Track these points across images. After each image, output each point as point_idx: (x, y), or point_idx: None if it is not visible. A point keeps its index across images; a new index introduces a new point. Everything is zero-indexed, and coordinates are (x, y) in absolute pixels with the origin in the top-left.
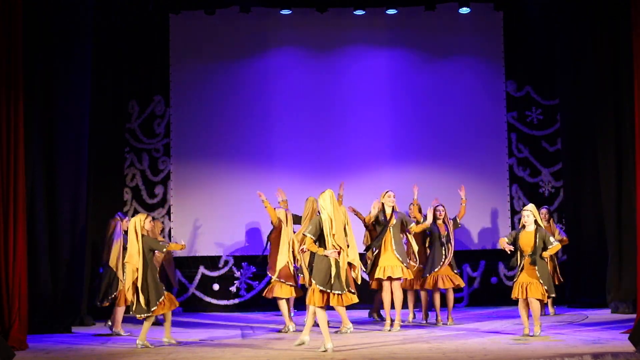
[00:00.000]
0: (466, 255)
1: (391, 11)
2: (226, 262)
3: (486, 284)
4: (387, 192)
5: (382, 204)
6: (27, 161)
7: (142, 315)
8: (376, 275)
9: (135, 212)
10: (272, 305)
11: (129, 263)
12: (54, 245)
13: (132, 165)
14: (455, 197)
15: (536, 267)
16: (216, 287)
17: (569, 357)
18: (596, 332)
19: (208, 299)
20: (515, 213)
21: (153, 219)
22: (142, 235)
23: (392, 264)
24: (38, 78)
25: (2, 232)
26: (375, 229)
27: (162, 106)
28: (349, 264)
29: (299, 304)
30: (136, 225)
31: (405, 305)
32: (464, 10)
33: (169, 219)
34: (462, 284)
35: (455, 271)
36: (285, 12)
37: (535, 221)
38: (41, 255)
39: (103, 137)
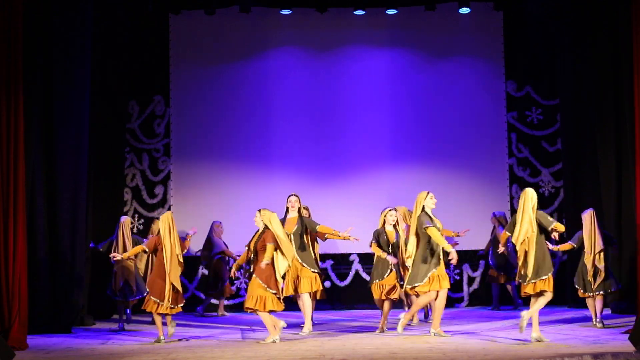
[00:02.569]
0: (466, 255)
1: (391, 11)
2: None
3: (486, 284)
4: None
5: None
6: (27, 161)
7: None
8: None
9: (135, 212)
10: None
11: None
12: (54, 245)
13: (132, 165)
14: (453, 198)
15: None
16: None
17: (569, 357)
18: (596, 332)
19: None
20: (515, 213)
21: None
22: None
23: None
24: (38, 78)
25: (2, 232)
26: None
27: (162, 106)
28: None
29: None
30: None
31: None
32: (464, 10)
33: None
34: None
35: (401, 282)
36: (285, 12)
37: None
38: (41, 255)
39: (103, 137)
